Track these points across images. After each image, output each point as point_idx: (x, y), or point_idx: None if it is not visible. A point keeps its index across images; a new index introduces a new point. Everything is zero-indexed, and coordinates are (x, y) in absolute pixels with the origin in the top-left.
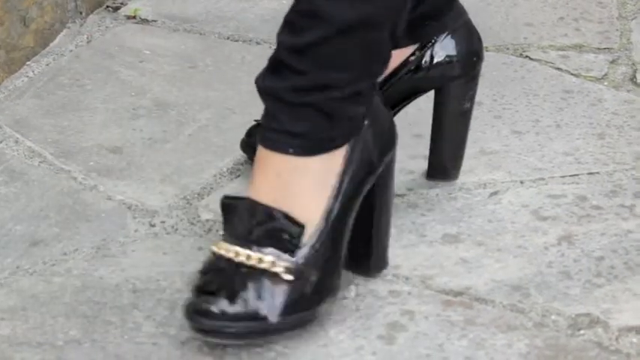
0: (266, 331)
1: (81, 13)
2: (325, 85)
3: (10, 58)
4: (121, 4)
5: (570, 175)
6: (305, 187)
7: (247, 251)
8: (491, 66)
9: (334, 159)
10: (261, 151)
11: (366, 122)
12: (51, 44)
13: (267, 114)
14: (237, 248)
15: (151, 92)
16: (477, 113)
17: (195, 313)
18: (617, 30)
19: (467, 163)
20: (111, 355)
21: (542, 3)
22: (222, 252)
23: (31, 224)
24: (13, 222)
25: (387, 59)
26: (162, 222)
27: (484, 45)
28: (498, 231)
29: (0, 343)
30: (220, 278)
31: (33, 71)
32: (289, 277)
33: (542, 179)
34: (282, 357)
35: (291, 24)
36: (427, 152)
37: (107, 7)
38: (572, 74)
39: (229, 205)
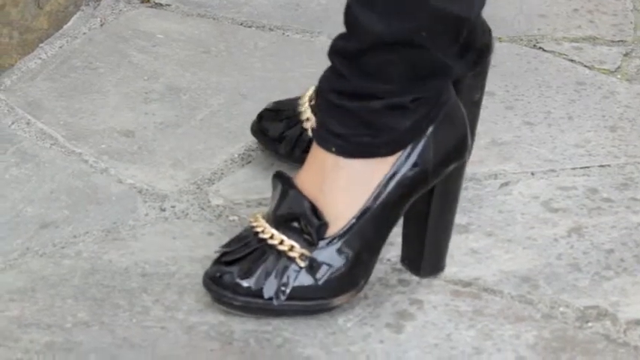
0: (267, 311)
1: None
2: (366, 94)
3: (24, 40)
4: None
5: (581, 167)
6: (344, 184)
7: (273, 230)
8: (504, 57)
9: (380, 162)
10: (314, 143)
11: (430, 129)
12: (64, 26)
13: (319, 109)
14: (267, 225)
15: (164, 76)
16: (488, 104)
17: (209, 278)
18: (631, 22)
19: (478, 153)
20: (119, 338)
21: None
22: (254, 224)
23: (42, 206)
24: (24, 204)
25: (441, 74)
26: (173, 206)
27: (497, 36)
28: (508, 222)
29: (8, 324)
30: (242, 250)
31: (46, 53)
32: (303, 264)
33: (553, 171)
34: (289, 343)
35: (344, 27)
36: None
37: None
38: (585, 66)
39: (276, 182)
